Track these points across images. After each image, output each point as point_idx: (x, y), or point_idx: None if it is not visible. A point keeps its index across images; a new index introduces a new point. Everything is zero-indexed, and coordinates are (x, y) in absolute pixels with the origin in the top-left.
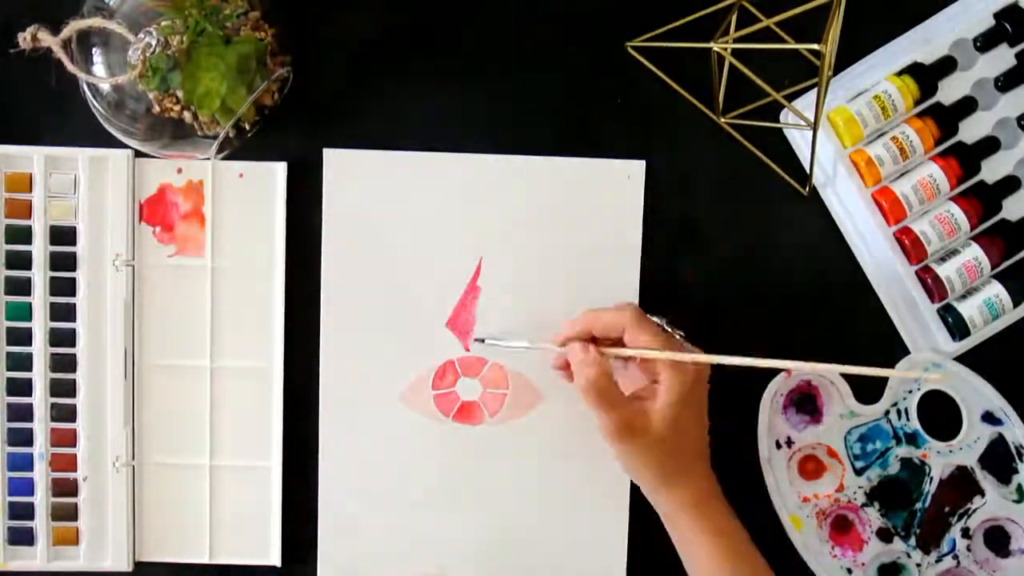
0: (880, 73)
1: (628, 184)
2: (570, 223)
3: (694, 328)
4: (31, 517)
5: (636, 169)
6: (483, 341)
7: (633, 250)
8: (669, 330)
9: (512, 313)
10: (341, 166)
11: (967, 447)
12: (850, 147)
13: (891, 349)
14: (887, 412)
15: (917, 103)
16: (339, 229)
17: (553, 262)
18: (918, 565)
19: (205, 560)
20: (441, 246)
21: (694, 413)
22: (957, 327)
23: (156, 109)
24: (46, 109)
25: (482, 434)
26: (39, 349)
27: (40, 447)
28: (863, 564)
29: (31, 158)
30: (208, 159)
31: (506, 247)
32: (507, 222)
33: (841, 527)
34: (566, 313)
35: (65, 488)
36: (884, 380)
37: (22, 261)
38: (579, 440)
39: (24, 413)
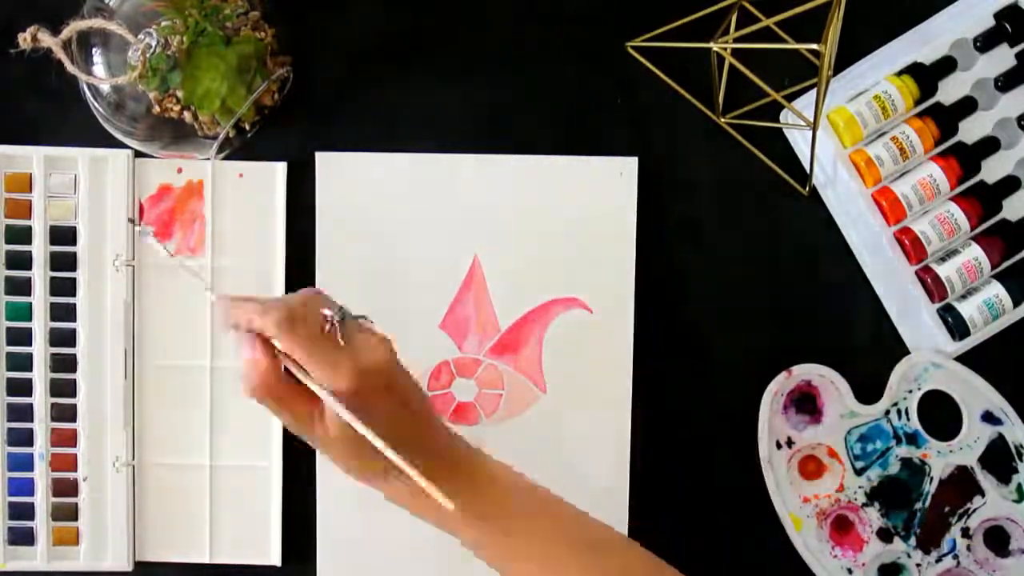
0: (880, 73)
1: (621, 181)
2: (564, 222)
3: (694, 328)
4: (31, 517)
5: (629, 166)
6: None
7: (628, 247)
8: (336, 326)
9: (507, 312)
10: (333, 169)
11: (967, 447)
12: (850, 147)
13: (891, 349)
14: (887, 412)
15: (917, 103)
16: (332, 231)
17: (548, 261)
18: (918, 565)
19: (205, 560)
20: (435, 247)
21: (374, 405)
22: (957, 327)
23: (156, 109)
24: (46, 109)
25: (478, 435)
26: (39, 349)
27: (40, 447)
28: (863, 564)
29: (31, 158)
30: (208, 159)
31: (500, 247)
32: (500, 222)
33: (841, 527)
34: None
35: (65, 488)
36: (885, 380)
37: (22, 261)
38: (576, 440)
39: (24, 413)
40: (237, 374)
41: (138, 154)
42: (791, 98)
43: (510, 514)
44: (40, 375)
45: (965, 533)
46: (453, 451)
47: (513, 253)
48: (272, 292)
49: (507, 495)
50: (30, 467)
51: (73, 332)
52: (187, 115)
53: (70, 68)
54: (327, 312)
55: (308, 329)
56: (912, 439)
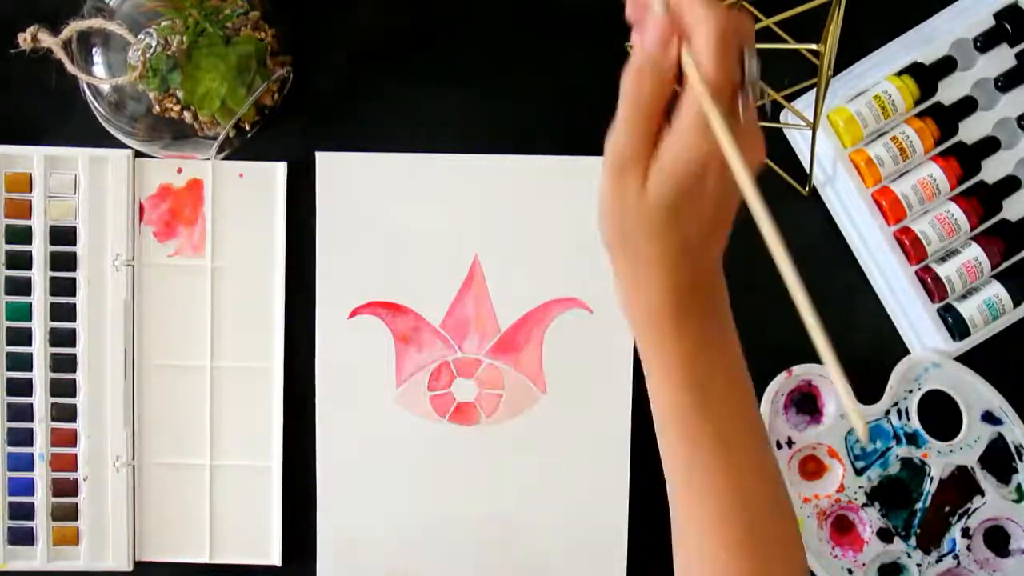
0: (880, 73)
1: None
2: (564, 222)
3: None
4: (31, 517)
5: None
6: None
7: None
8: (746, 79)
9: (507, 312)
10: (333, 169)
11: (967, 447)
12: (850, 147)
13: (891, 349)
14: (887, 412)
15: (917, 103)
16: (332, 231)
17: (548, 261)
18: (918, 565)
19: (205, 560)
20: (435, 247)
21: (702, 181)
22: (957, 327)
23: (156, 109)
24: (46, 109)
25: (478, 435)
26: (39, 349)
27: (40, 447)
28: (863, 564)
29: (31, 158)
30: (208, 159)
31: (500, 247)
32: (500, 222)
33: (842, 527)
34: None
35: (65, 488)
36: (885, 380)
37: (22, 261)
38: (576, 440)
39: (24, 413)
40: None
41: (138, 154)
42: (791, 98)
43: (749, 413)
44: (40, 375)
45: (965, 533)
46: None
47: (513, 253)
48: (272, 292)
49: (752, 402)
50: (30, 467)
51: (73, 332)
52: (187, 115)
53: (70, 68)
54: (747, 59)
55: (729, 63)
56: (912, 439)
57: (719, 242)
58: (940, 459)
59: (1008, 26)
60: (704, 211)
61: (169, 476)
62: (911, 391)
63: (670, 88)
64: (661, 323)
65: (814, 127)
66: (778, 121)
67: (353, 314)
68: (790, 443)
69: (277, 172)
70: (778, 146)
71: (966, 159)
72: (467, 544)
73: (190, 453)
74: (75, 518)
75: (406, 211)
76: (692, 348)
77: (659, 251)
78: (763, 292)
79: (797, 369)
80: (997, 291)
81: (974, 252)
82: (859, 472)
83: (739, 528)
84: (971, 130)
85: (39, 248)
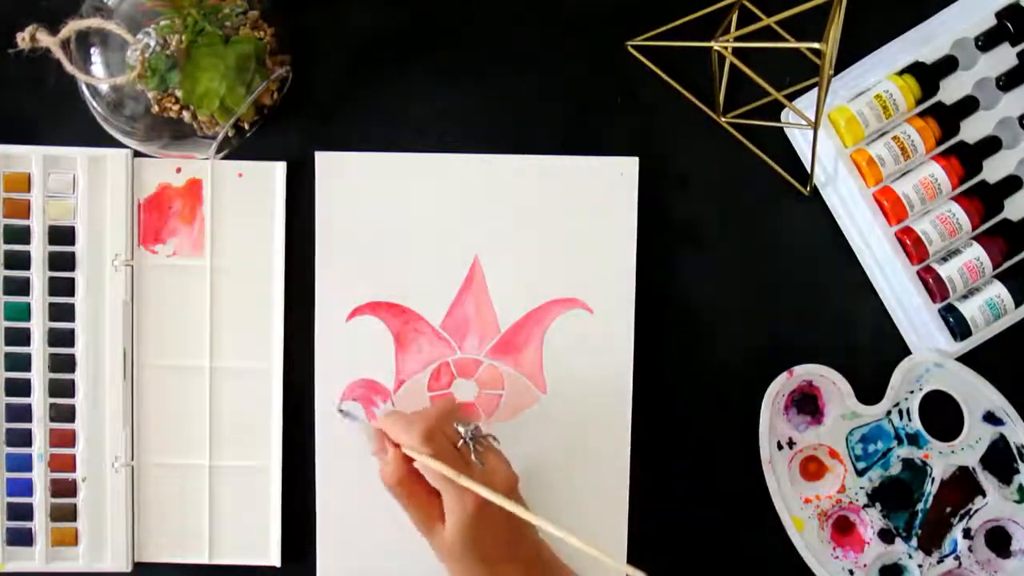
0: (881, 72)
1: (621, 181)
2: (564, 222)
3: (694, 329)
4: (30, 518)
5: (629, 166)
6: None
7: (628, 247)
8: (469, 443)
9: (508, 312)
10: (333, 169)
11: (968, 447)
12: (851, 146)
13: (892, 349)
14: (888, 412)
15: (918, 102)
16: (332, 231)
17: (548, 261)
18: (920, 566)
19: (205, 560)
20: (435, 247)
21: (487, 527)
22: (959, 327)
23: (155, 109)
24: (45, 109)
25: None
26: (38, 349)
27: (39, 447)
28: (865, 565)
29: (30, 158)
30: (207, 159)
31: (500, 247)
32: (501, 222)
33: (843, 528)
34: None
35: (64, 489)
36: (886, 380)
37: (21, 261)
38: (576, 440)
39: (23, 413)
40: (380, 468)
41: (137, 154)
42: (792, 97)
43: None
44: (39, 375)
45: (967, 534)
46: (550, 559)
47: (513, 253)
48: (272, 292)
49: None
50: (29, 468)
51: (72, 332)
52: (186, 115)
53: (69, 68)
54: (460, 428)
55: (445, 446)
56: (913, 439)
57: (523, 545)
58: (941, 460)
59: (1010, 25)
60: (497, 531)
61: (168, 476)
62: (912, 391)
63: (413, 483)
64: None
65: (815, 127)
66: (779, 121)
67: (353, 314)
68: (791, 444)
69: (276, 172)
70: (779, 146)
71: (968, 159)
72: None
73: (189, 453)
74: (74, 519)
75: (406, 211)
76: None
77: (466, 568)
78: (763, 292)
79: (798, 370)
80: (999, 291)
81: (976, 252)
82: (860, 473)
83: None
84: (973, 129)
85: (38, 248)
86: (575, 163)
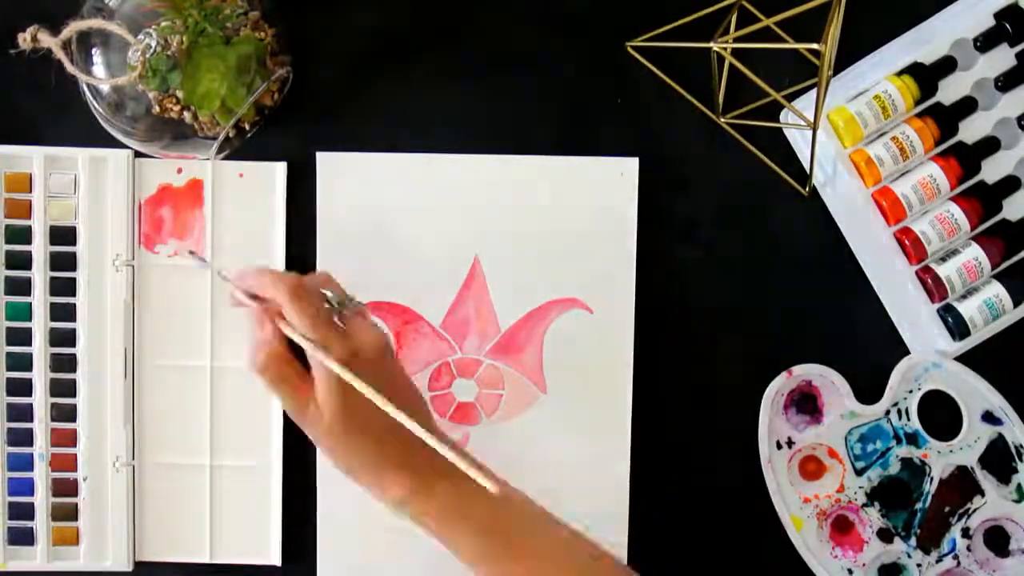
0: (880, 73)
1: (622, 181)
2: (564, 222)
3: (694, 329)
4: (31, 517)
5: (629, 166)
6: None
7: (629, 247)
8: (335, 305)
9: (508, 312)
10: (333, 169)
11: (967, 447)
12: (850, 147)
13: (891, 349)
14: (887, 412)
15: (917, 103)
16: (332, 231)
17: (548, 261)
18: (919, 565)
19: (205, 560)
20: (435, 247)
21: (362, 407)
22: (957, 327)
23: (156, 110)
24: (46, 109)
25: (479, 435)
26: (39, 349)
27: (40, 447)
28: (864, 564)
29: (31, 158)
30: (208, 159)
31: (500, 247)
32: (500, 222)
33: (842, 527)
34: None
35: (65, 488)
36: (885, 380)
37: (22, 261)
38: (576, 439)
39: (24, 413)
40: (244, 351)
41: (138, 154)
42: (791, 98)
43: (511, 530)
44: (40, 375)
45: (965, 533)
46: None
47: (513, 253)
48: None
49: (511, 508)
50: (30, 467)
51: (73, 332)
52: (187, 115)
53: (70, 68)
54: (328, 293)
55: (313, 305)
56: (912, 439)
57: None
58: (940, 459)
59: (1008, 26)
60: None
61: (169, 476)
62: (911, 391)
63: (283, 364)
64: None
65: (814, 127)
66: (778, 121)
67: None
68: (790, 443)
69: (277, 172)
70: (778, 146)
71: (966, 159)
72: None
73: (190, 453)
74: (75, 518)
75: (406, 211)
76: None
77: (349, 447)
78: (762, 292)
79: (797, 369)
80: (997, 291)
81: (974, 252)
82: (859, 472)
83: None
84: (971, 130)
85: (39, 248)
86: (575, 163)
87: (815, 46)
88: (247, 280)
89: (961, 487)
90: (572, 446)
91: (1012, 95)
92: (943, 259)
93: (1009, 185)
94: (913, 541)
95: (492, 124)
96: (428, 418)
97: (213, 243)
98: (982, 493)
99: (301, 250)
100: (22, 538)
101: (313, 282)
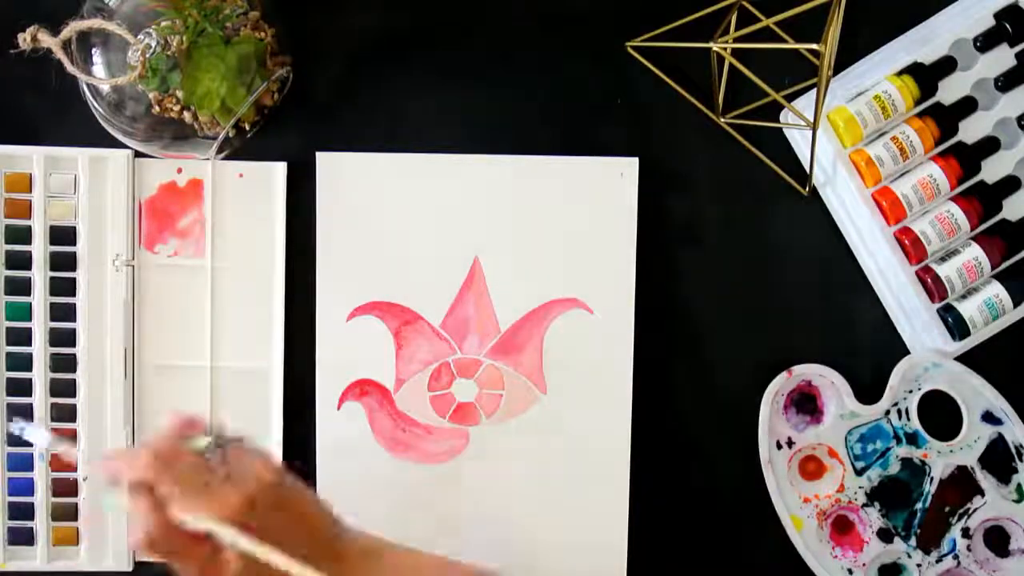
0: (880, 73)
1: (622, 181)
2: (564, 222)
3: (694, 329)
4: (31, 517)
5: (629, 166)
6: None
7: (628, 247)
8: (209, 449)
9: (508, 312)
10: (333, 169)
11: (967, 447)
12: (850, 147)
13: (891, 349)
14: (887, 412)
15: (917, 103)
16: (332, 231)
17: (548, 261)
18: (918, 565)
19: None
20: (435, 247)
21: (270, 530)
22: (957, 327)
23: (156, 109)
24: (46, 109)
25: (478, 435)
26: (39, 349)
27: (40, 447)
28: (864, 564)
29: (31, 158)
30: (208, 159)
31: (501, 247)
32: (500, 222)
33: (842, 527)
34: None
35: (65, 488)
36: (885, 380)
37: (22, 261)
38: (576, 440)
39: (24, 413)
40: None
41: (138, 154)
42: (791, 98)
43: None
44: (40, 375)
45: (965, 533)
46: (361, 549)
47: (513, 253)
48: (272, 292)
49: None
50: (30, 467)
51: (73, 332)
52: (187, 115)
53: (70, 68)
54: (198, 441)
55: (183, 465)
56: (912, 439)
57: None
58: (940, 459)
59: (1008, 26)
60: (284, 526)
61: None
62: (911, 391)
63: (173, 538)
64: None
65: (814, 127)
66: (778, 121)
67: (353, 314)
68: (790, 443)
69: (277, 172)
70: (778, 146)
71: (966, 159)
72: (466, 544)
73: None
74: (75, 518)
75: (406, 211)
76: None
77: None
78: (762, 292)
79: (797, 369)
80: (997, 291)
81: (974, 252)
82: (859, 472)
83: None
84: (971, 130)
85: (39, 248)
86: (575, 163)
87: (815, 46)
88: (108, 467)
89: (961, 487)
90: (571, 446)
91: (1012, 95)
92: (943, 259)
93: (1009, 185)
94: (913, 541)
95: (492, 124)
96: (334, 529)
97: (213, 243)
98: (982, 493)
99: (301, 250)
100: (22, 538)
101: (171, 441)
